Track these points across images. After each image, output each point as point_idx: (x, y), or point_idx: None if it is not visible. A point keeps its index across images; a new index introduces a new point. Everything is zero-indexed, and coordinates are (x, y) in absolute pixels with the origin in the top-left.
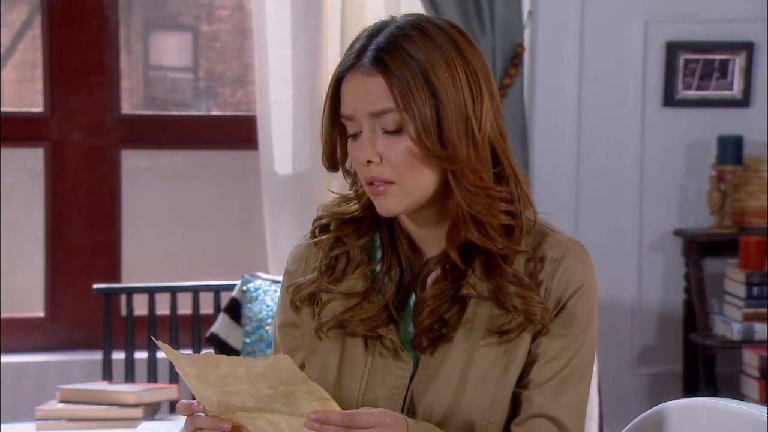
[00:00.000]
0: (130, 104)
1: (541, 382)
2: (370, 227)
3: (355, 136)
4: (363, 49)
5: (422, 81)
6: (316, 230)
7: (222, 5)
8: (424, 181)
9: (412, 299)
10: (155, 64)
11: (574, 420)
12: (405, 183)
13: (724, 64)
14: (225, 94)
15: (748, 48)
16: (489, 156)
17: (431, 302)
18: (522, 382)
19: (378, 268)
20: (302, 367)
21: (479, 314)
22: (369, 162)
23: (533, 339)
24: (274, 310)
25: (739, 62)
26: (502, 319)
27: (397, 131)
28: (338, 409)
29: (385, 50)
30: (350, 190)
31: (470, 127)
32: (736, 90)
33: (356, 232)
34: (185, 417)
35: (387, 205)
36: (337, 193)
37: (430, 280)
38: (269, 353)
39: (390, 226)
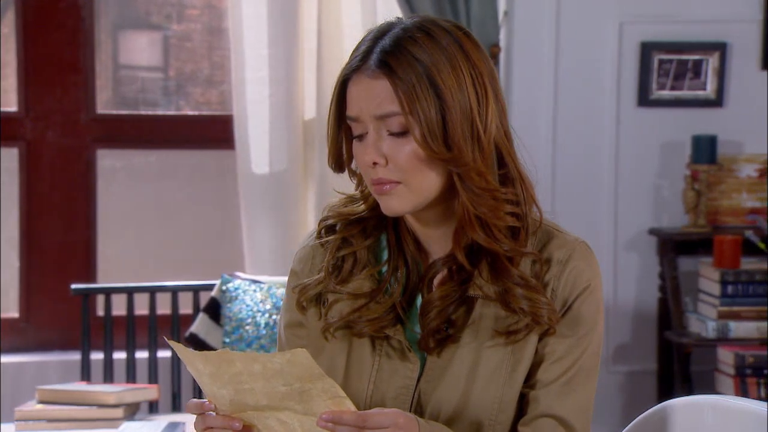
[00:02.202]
0: (99, 103)
1: (548, 382)
2: (376, 228)
3: (361, 137)
4: (368, 52)
5: (427, 84)
6: (323, 231)
7: (192, 5)
8: (429, 182)
9: (419, 300)
10: (125, 63)
11: (580, 420)
12: (410, 183)
13: (698, 64)
14: (195, 94)
15: (721, 48)
16: (494, 158)
17: (438, 303)
18: (529, 382)
19: (384, 268)
20: None
21: (486, 315)
22: (374, 164)
23: (540, 339)
24: (254, 310)
25: (712, 62)
26: (509, 320)
27: (403, 134)
28: (353, 407)
29: (391, 53)
30: (356, 191)
31: (476, 130)
32: (710, 90)
33: (363, 232)
34: (195, 416)
35: (392, 204)
36: (342, 193)
37: (436, 281)
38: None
39: (396, 226)
